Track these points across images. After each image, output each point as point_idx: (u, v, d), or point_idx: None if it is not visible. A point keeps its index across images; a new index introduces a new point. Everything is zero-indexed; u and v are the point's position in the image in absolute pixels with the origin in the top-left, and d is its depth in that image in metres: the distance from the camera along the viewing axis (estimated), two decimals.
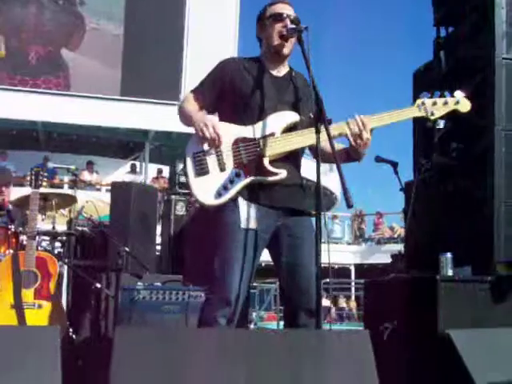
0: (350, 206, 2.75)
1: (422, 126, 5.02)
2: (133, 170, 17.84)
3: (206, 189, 3.03)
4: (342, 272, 17.60)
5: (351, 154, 3.14)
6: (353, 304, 16.72)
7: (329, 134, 2.86)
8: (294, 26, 3.09)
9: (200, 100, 3.22)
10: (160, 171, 17.37)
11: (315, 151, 2.91)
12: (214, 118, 3.13)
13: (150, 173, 18.10)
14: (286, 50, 3.21)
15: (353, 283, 17.34)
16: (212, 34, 17.27)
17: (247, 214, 3.03)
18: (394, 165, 5.44)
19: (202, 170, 3.06)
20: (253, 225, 3.03)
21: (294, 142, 3.09)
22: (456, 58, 5.00)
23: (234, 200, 3.04)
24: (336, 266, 17.49)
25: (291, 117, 3.14)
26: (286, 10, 3.21)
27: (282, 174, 3.07)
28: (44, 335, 2.31)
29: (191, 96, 3.24)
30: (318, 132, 2.89)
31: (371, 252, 19.12)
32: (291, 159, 3.16)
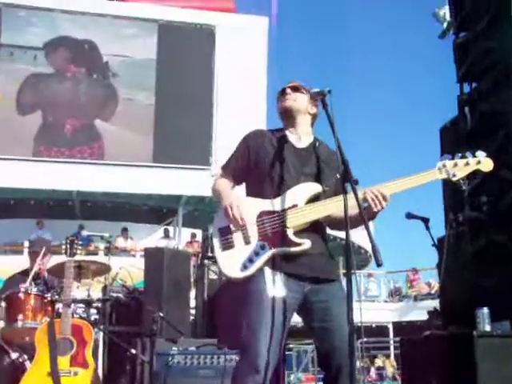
0: (379, 264, 2.76)
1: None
2: (166, 235, 17.95)
3: (232, 262, 3.09)
4: (380, 330, 17.31)
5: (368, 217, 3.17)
6: (392, 363, 16.37)
7: (356, 196, 2.89)
8: (316, 90, 3.16)
9: (228, 176, 3.34)
10: (194, 235, 17.46)
11: (345, 216, 2.89)
12: (239, 198, 3.21)
13: (183, 237, 18.21)
14: (283, 104, 3.34)
15: (391, 341, 17.00)
16: (240, 100, 17.60)
17: (273, 283, 3.06)
18: (426, 221, 5.42)
19: (227, 245, 3.13)
20: (280, 292, 3.06)
21: (316, 212, 3.14)
22: (480, 113, 5.05)
23: (260, 270, 3.08)
24: (373, 325, 17.22)
25: (314, 188, 3.20)
26: (293, 84, 3.37)
27: (306, 244, 3.11)
28: None
29: (221, 172, 3.37)
30: (345, 192, 2.92)
31: (409, 309, 18.80)
32: (315, 228, 3.20)
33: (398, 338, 15.27)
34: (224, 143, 16.25)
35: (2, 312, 5.14)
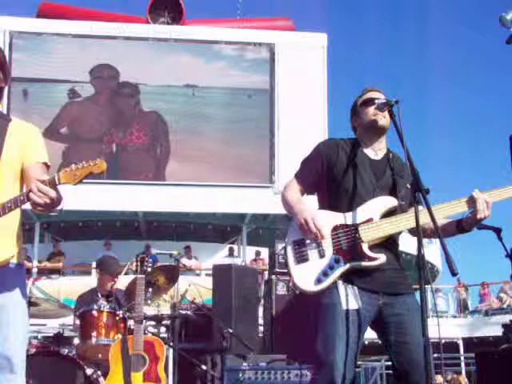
0: (454, 273, 2.71)
1: None
2: (231, 254, 18.04)
3: (306, 276, 3.09)
4: (450, 346, 16.88)
5: (464, 226, 3.16)
6: (464, 379, 15.95)
7: (428, 207, 2.87)
8: (384, 101, 3.13)
9: (301, 185, 3.30)
10: (258, 253, 17.49)
11: (416, 226, 2.89)
12: (313, 211, 3.18)
13: (247, 255, 18.27)
14: (380, 122, 3.24)
15: (462, 358, 16.57)
16: (301, 117, 17.65)
17: (347, 296, 3.05)
18: (497, 231, 5.29)
19: (302, 258, 3.12)
20: (354, 305, 3.04)
21: (392, 226, 3.12)
22: None
23: (333, 283, 3.07)
24: (443, 341, 16.83)
25: (389, 202, 3.18)
26: (377, 95, 3.28)
27: (381, 259, 3.09)
28: None
29: (293, 182, 3.32)
30: (416, 202, 2.90)
31: (479, 324, 18.32)
32: (389, 243, 3.18)
33: (470, 354, 14.86)
34: (286, 161, 16.33)
35: (77, 329, 5.25)
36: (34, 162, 2.92)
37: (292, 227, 3.21)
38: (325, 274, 3.07)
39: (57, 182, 2.67)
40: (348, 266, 3.07)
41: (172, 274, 6.17)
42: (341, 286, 3.07)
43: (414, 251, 2.90)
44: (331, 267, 3.07)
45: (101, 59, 18.18)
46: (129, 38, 18.23)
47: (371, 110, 3.25)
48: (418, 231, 2.88)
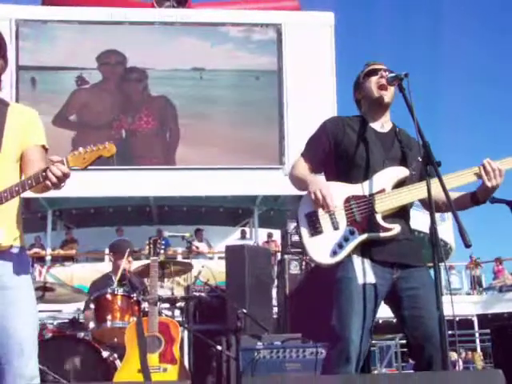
0: (467, 245, 2.69)
1: None
2: (243, 236, 18.06)
3: (321, 248, 3.06)
4: (464, 323, 16.87)
5: (478, 198, 3.14)
6: (479, 357, 15.95)
7: (440, 179, 2.83)
8: (393, 74, 3.11)
9: (308, 163, 3.28)
10: (270, 235, 17.50)
11: (428, 200, 2.86)
12: (324, 182, 3.17)
13: (260, 237, 18.29)
14: (386, 98, 3.23)
15: (477, 334, 16.56)
16: (310, 98, 17.55)
17: (363, 270, 3.03)
18: (511, 204, 5.25)
19: (315, 230, 3.09)
20: (370, 279, 3.03)
21: (405, 196, 3.10)
22: None
23: (348, 256, 3.05)
24: (457, 318, 16.75)
25: (401, 172, 3.16)
26: (380, 66, 3.27)
27: (396, 229, 3.07)
28: None
29: (300, 160, 3.31)
30: (428, 175, 2.87)
31: (494, 301, 18.29)
32: (402, 214, 3.16)
33: (485, 331, 14.87)
34: (296, 142, 16.28)
35: (92, 314, 5.28)
36: (32, 144, 2.92)
37: (303, 201, 3.18)
38: (340, 245, 3.04)
39: (65, 166, 2.67)
40: (363, 236, 3.05)
41: (186, 268, 6.21)
42: (356, 259, 3.05)
43: (426, 229, 2.87)
44: (346, 239, 3.05)
45: (107, 45, 18.14)
46: (135, 23, 18.15)
47: (375, 79, 3.24)
48: (430, 204, 2.85)
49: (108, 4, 18.64)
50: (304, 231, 3.12)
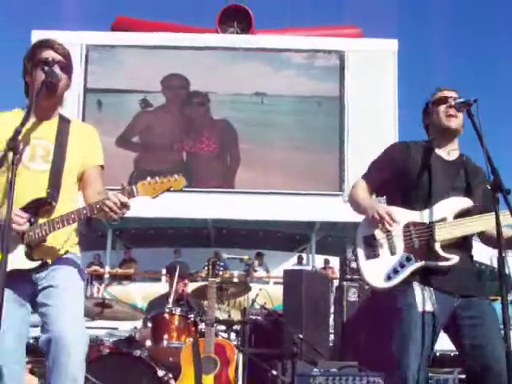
0: None
1: None
2: (300, 262, 17.96)
3: (377, 272, 3.06)
4: None
5: None
6: None
7: (509, 207, 2.78)
8: (462, 100, 3.08)
9: (369, 185, 3.27)
10: (327, 262, 17.34)
11: (497, 229, 2.79)
12: (385, 206, 3.17)
13: (317, 264, 18.15)
14: (453, 125, 3.20)
15: None
16: (371, 125, 17.48)
17: (422, 297, 2.99)
18: None
19: (372, 253, 3.08)
20: (429, 308, 2.98)
21: (466, 227, 3.06)
22: None
23: (408, 283, 3.02)
24: None
25: (464, 202, 3.12)
26: (450, 94, 3.23)
27: (454, 259, 3.02)
28: None
29: (361, 182, 3.30)
30: (496, 202, 2.81)
31: None
32: (463, 244, 3.11)
33: None
34: (356, 169, 16.18)
35: (148, 332, 5.30)
36: (93, 165, 3.01)
37: (362, 225, 3.18)
38: (395, 271, 3.03)
39: (135, 194, 2.73)
40: (419, 264, 3.02)
41: (244, 290, 6.18)
42: (416, 286, 3.01)
43: (487, 261, 2.80)
44: (402, 265, 3.03)
45: (171, 69, 18.47)
46: (199, 48, 18.44)
47: (443, 108, 3.20)
48: (498, 235, 2.78)
49: (173, 30, 19.06)
50: (361, 253, 3.12)
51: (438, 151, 3.24)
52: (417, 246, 3.05)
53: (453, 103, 3.15)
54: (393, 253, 3.06)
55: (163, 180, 2.75)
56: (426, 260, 3.02)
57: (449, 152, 3.25)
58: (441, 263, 3.01)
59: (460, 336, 3.03)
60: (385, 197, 3.35)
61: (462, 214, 3.09)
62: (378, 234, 3.09)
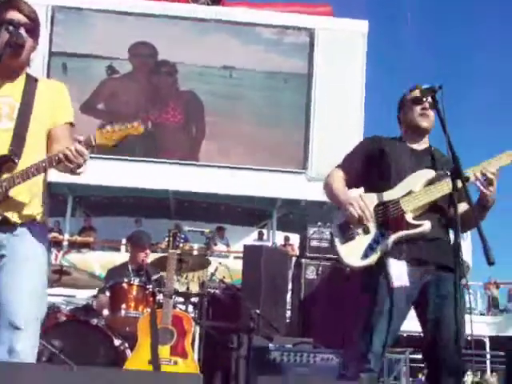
0: (490, 262, 2.69)
1: None
2: (260, 238, 18.04)
3: (353, 252, 3.16)
4: (475, 344, 16.69)
5: (481, 203, 3.16)
6: (490, 378, 15.79)
7: (467, 193, 2.88)
8: (427, 86, 3.14)
9: (345, 173, 3.39)
10: (287, 239, 17.44)
11: (454, 211, 2.89)
12: (357, 196, 3.26)
13: (277, 240, 18.24)
14: (425, 124, 3.34)
15: (488, 356, 16.36)
16: (338, 105, 17.55)
17: (397, 272, 3.08)
18: None
19: (348, 237, 3.19)
20: (403, 282, 3.07)
21: (430, 194, 3.16)
22: None
23: (382, 258, 3.12)
24: (469, 338, 16.56)
25: (428, 173, 3.23)
26: (425, 94, 3.29)
27: (426, 225, 3.13)
28: (189, 382, 2.34)
29: (335, 170, 3.42)
30: (456, 190, 2.90)
31: (508, 324, 18.08)
32: (435, 214, 3.21)
33: (497, 353, 14.70)
34: (321, 148, 16.28)
35: (106, 301, 5.29)
36: (62, 122, 2.95)
37: (337, 213, 3.29)
38: (371, 247, 3.14)
39: (92, 143, 2.69)
40: (393, 237, 3.13)
41: (203, 263, 6.19)
42: (392, 261, 3.10)
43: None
44: (377, 241, 3.14)
45: (140, 37, 18.23)
46: (168, 17, 18.22)
47: (418, 108, 3.34)
48: (455, 216, 2.86)
49: None
50: (337, 239, 3.22)
51: (408, 143, 3.39)
52: (388, 221, 3.15)
53: (427, 106, 3.29)
54: (367, 232, 3.16)
55: (121, 127, 2.71)
56: (398, 232, 3.13)
57: (419, 144, 3.40)
58: (413, 231, 3.13)
59: (425, 311, 3.15)
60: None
61: (428, 185, 3.19)
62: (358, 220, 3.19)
